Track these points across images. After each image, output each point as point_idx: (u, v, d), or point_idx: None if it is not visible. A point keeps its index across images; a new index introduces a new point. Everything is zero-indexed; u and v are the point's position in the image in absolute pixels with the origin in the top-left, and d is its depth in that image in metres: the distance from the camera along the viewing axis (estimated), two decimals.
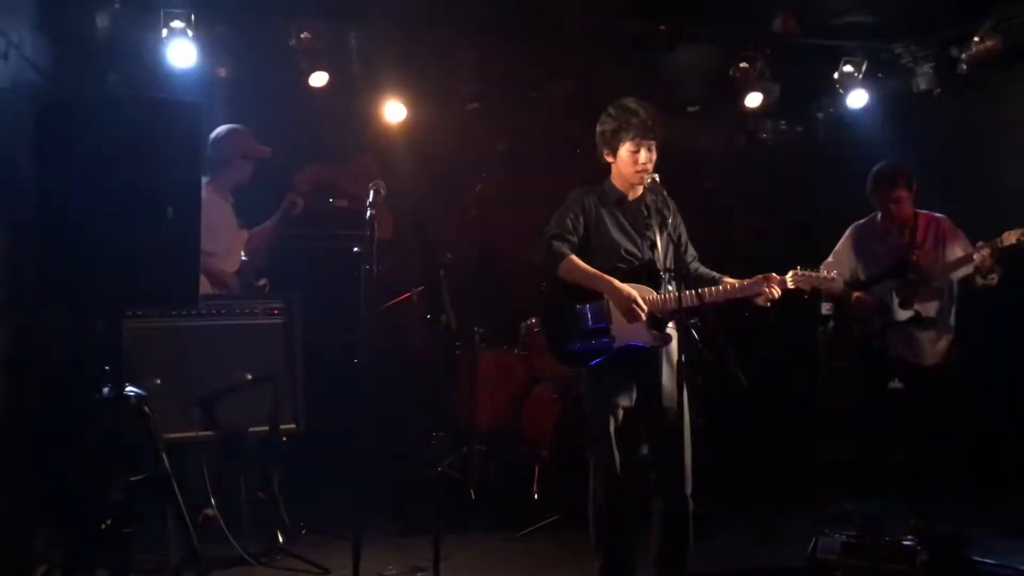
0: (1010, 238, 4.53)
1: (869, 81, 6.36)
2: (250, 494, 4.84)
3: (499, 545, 4.74)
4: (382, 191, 3.88)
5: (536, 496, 5.25)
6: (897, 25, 6.20)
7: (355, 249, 3.65)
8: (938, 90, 6.17)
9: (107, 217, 2.96)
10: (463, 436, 5.56)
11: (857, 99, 6.36)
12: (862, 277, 5.00)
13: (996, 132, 6.01)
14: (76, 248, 2.96)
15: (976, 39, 5.73)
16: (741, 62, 6.47)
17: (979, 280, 4.68)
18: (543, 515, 5.01)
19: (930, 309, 4.86)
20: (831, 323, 5.23)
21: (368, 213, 3.72)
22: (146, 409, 3.09)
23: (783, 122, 7.16)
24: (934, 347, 4.89)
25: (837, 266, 4.98)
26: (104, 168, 3.00)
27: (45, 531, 3.92)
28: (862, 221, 5.14)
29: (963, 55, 5.86)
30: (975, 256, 4.62)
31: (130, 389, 3.08)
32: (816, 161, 6.79)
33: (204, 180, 4.87)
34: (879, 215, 5.06)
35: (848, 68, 6.38)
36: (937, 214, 4.98)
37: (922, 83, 6.24)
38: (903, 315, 4.85)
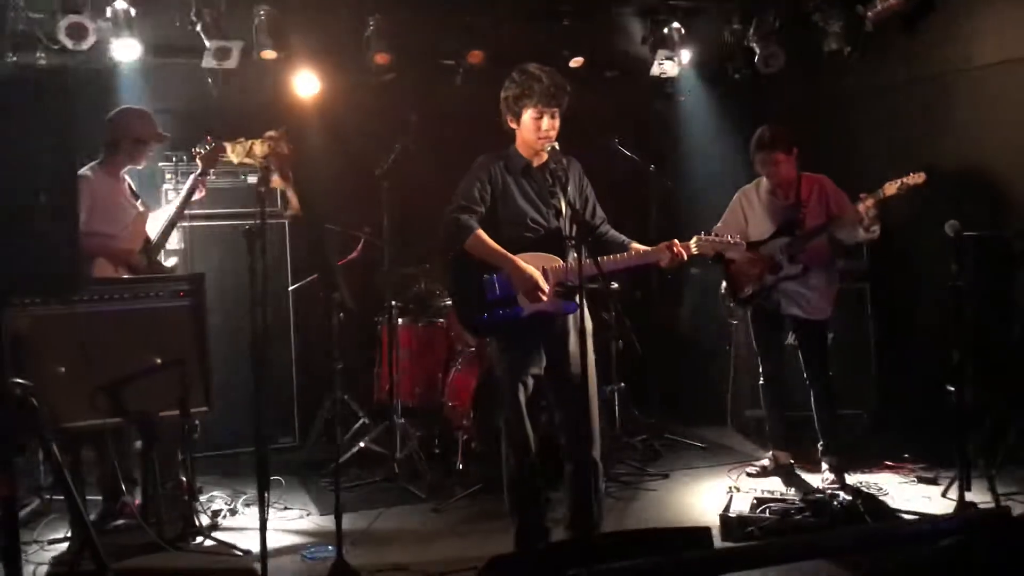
0: (891, 188, 4.65)
1: (781, 41, 6.43)
2: (167, 479, 4.79)
3: (422, 517, 4.75)
4: (271, 167, 3.81)
5: (460, 467, 5.27)
6: None
7: (246, 226, 3.58)
8: (848, 49, 6.25)
9: None
10: (385, 410, 5.54)
11: (770, 60, 6.42)
12: (752, 238, 5.07)
13: (900, 89, 6.11)
14: None
15: None
16: (656, 27, 6.51)
17: (862, 234, 4.79)
18: (466, 486, 5.01)
19: (815, 263, 4.96)
20: (724, 284, 5.31)
21: (261, 190, 3.65)
22: (33, 401, 3.00)
23: (700, 85, 7.17)
24: (823, 300, 5.01)
25: (726, 228, 5.10)
26: None
27: None
28: (748, 185, 5.25)
29: (869, 13, 5.95)
30: (858, 207, 4.72)
31: (15, 380, 2.99)
32: (731, 123, 6.83)
33: (94, 163, 4.77)
34: (764, 179, 5.14)
35: (760, 28, 6.44)
36: (819, 175, 5.08)
37: (833, 42, 6.31)
38: (792, 270, 4.95)
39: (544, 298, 3.93)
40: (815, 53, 6.39)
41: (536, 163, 4.09)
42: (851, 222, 4.79)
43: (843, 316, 5.55)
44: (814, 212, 4.98)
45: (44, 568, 4.06)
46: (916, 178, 4.60)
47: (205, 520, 4.50)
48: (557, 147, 3.98)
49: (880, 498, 4.55)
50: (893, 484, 4.96)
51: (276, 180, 4.63)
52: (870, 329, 5.91)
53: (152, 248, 4.97)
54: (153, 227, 4.98)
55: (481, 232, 3.96)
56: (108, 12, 5.43)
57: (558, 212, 4.06)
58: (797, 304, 5.00)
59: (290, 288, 5.87)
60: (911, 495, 4.80)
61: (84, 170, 4.74)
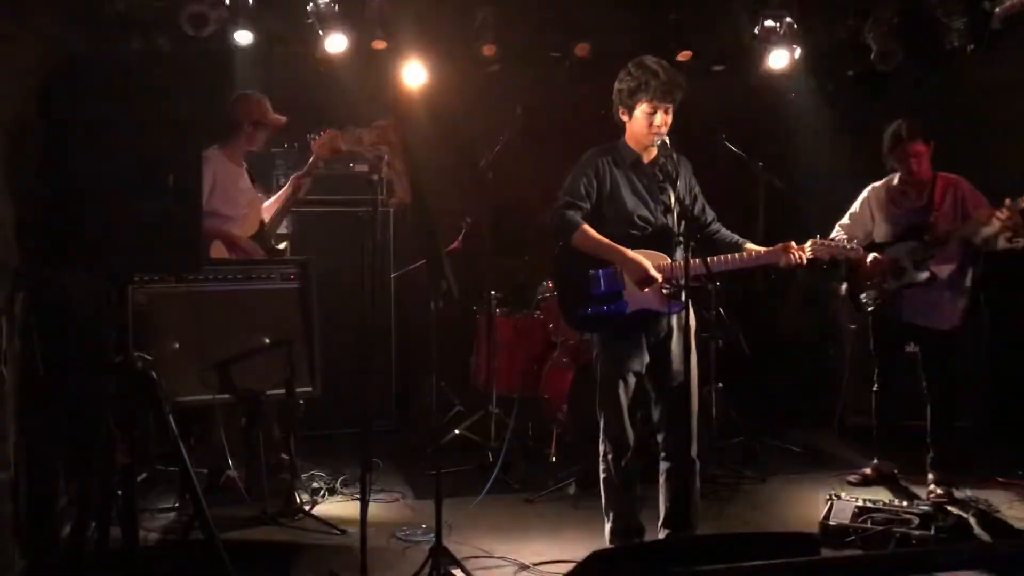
0: None
1: (899, 37, 6.22)
2: (269, 456, 4.93)
3: (513, 508, 4.78)
4: (385, 156, 3.87)
5: (553, 459, 5.28)
6: None
7: (359, 213, 3.65)
8: (971, 46, 6.01)
9: (109, 183, 2.98)
10: (481, 399, 5.59)
11: (886, 58, 6.21)
12: (876, 239, 4.91)
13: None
14: (80, 214, 3.00)
15: None
16: (766, 20, 6.36)
17: (1002, 242, 4.56)
18: (559, 478, 5.02)
19: (945, 271, 4.75)
20: (844, 286, 5.15)
21: (374, 178, 3.71)
22: (152, 374, 3.12)
23: (812, 81, 6.99)
24: (949, 310, 4.79)
25: (852, 227, 4.93)
26: (108, 134, 3.02)
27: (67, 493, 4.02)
28: (878, 183, 5.03)
29: (997, 9, 5.70)
30: (998, 214, 4.50)
31: (138, 354, 3.12)
32: (844, 122, 6.64)
33: (215, 146, 4.93)
34: (896, 176, 4.95)
35: (877, 23, 6.24)
36: (955, 176, 4.86)
37: (955, 39, 6.07)
38: (918, 277, 4.75)
39: (657, 279, 3.88)
40: (935, 50, 6.16)
41: (645, 158, 4.05)
42: (981, 227, 4.57)
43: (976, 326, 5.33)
44: (947, 216, 4.76)
45: (153, 535, 4.22)
46: None
47: (305, 498, 4.62)
48: (668, 142, 3.94)
49: (991, 515, 4.39)
50: (1004, 501, 4.77)
51: (386, 169, 4.71)
52: (984, 339, 5.68)
53: (265, 232, 5.12)
54: (266, 212, 5.13)
55: (587, 227, 3.95)
56: (227, 0, 5.60)
57: (667, 209, 4.02)
58: (922, 313, 4.79)
59: (393, 275, 5.96)
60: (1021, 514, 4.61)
61: (207, 152, 4.91)
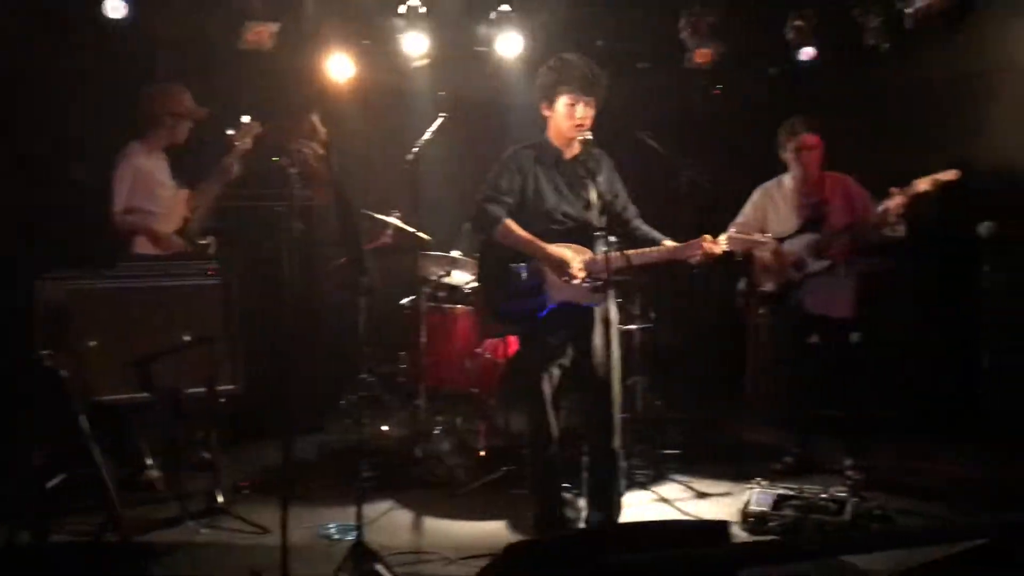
0: (922, 184, 4.60)
1: (820, 36, 6.36)
2: (192, 455, 4.85)
3: (441, 502, 4.77)
4: (304, 150, 3.84)
5: (481, 453, 5.29)
6: None
7: (276, 208, 3.62)
8: (886, 45, 6.17)
9: (18, 178, 2.90)
10: (410, 393, 5.57)
11: (807, 54, 6.35)
12: (772, 235, 5.05)
13: (938, 87, 6.03)
14: None
15: None
16: (690, 17, 6.45)
17: (887, 231, 4.74)
18: (487, 472, 5.03)
19: (840, 261, 4.92)
20: (744, 280, 5.29)
21: (291, 172, 3.68)
22: (61, 372, 3.06)
23: (735, 79, 7.11)
24: (845, 298, 4.97)
25: (746, 226, 5.09)
26: (11, 134, 2.94)
27: None
28: (770, 182, 5.22)
29: (909, 10, 5.86)
30: (887, 202, 4.67)
31: (45, 352, 3.05)
32: (766, 117, 6.76)
33: (135, 140, 4.82)
34: (786, 176, 5.14)
35: (798, 23, 6.37)
36: (841, 174, 5.05)
37: (871, 38, 6.23)
38: (817, 266, 4.91)
39: (576, 279, 3.92)
40: (853, 48, 6.31)
41: (568, 154, 4.09)
42: (875, 222, 4.74)
43: (870, 317, 5.49)
44: (838, 211, 4.95)
45: (66, 537, 4.12)
46: (948, 175, 4.54)
47: (229, 497, 4.57)
48: (591, 138, 3.98)
49: (904, 498, 4.53)
50: (918, 485, 4.91)
51: (309, 162, 4.66)
52: (899, 330, 5.85)
53: (190, 226, 5.04)
54: (189, 207, 5.05)
55: (510, 221, 3.97)
56: None
57: (588, 204, 4.06)
58: (821, 302, 4.96)
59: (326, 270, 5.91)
60: (939, 494, 4.75)
61: (127, 148, 4.81)
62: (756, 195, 5.24)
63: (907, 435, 5.57)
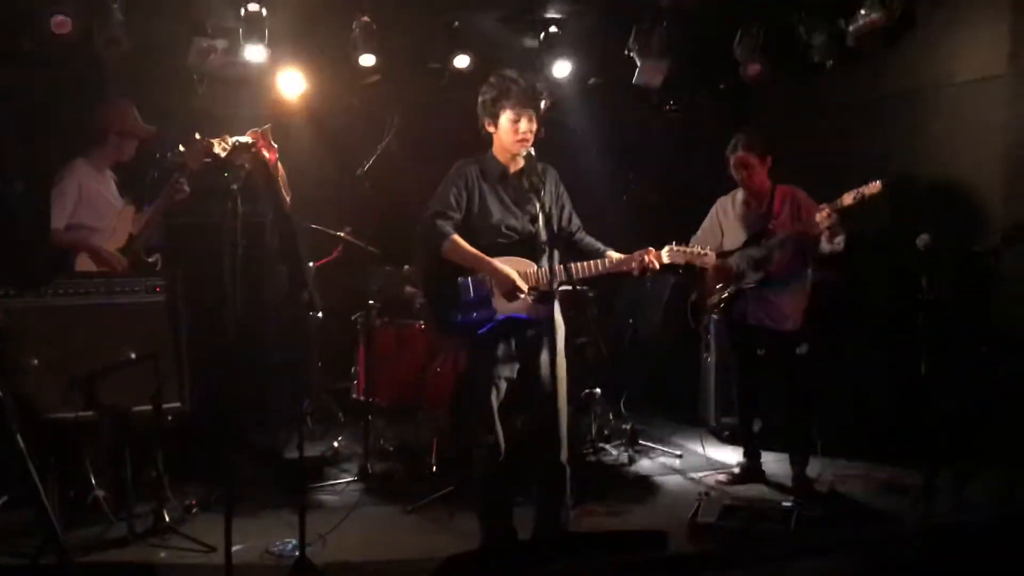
0: (848, 199, 4.69)
1: (765, 53, 6.47)
2: (141, 474, 4.79)
3: (391, 518, 4.76)
4: (246, 166, 3.84)
5: (434, 468, 5.29)
6: None
7: (219, 224, 3.61)
8: (830, 62, 6.30)
9: None
10: (363, 410, 5.55)
11: (753, 71, 6.46)
12: (725, 248, 5.15)
13: (880, 103, 6.17)
14: None
15: (863, 11, 5.86)
16: (637, 34, 6.53)
17: (825, 246, 4.83)
18: (438, 488, 5.03)
19: (782, 273, 5.01)
20: (694, 293, 5.37)
21: (233, 187, 3.68)
22: None
23: (684, 95, 7.21)
24: (791, 311, 5.04)
25: (704, 239, 5.17)
26: None
27: None
28: (725, 196, 5.33)
29: (851, 27, 5.99)
30: (816, 217, 4.75)
31: None
32: (716, 133, 6.86)
33: (81, 156, 4.78)
34: (739, 190, 5.21)
35: (744, 38, 6.48)
36: (793, 187, 5.14)
37: (815, 55, 6.35)
38: (753, 278, 4.99)
39: (522, 294, 3.96)
40: (799, 64, 6.43)
41: (512, 169, 4.13)
42: (816, 231, 4.81)
43: (815, 326, 5.58)
44: (784, 223, 5.04)
45: (14, 560, 4.05)
46: (872, 188, 4.62)
47: (176, 516, 4.52)
48: (533, 153, 4.02)
49: (849, 505, 4.61)
50: (861, 491, 5.00)
51: (255, 179, 4.65)
52: (843, 340, 5.95)
53: (134, 244, 4.99)
54: (136, 224, 5.00)
55: (457, 237, 4.00)
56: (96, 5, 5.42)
57: (534, 218, 4.09)
58: (764, 313, 5.05)
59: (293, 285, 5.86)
60: (881, 504, 4.83)
61: (72, 163, 4.77)
62: (713, 208, 5.34)
63: (852, 444, 5.66)
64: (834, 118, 6.52)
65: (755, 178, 5.05)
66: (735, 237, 5.15)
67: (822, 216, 4.72)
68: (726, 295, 5.09)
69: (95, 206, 4.78)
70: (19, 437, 3.06)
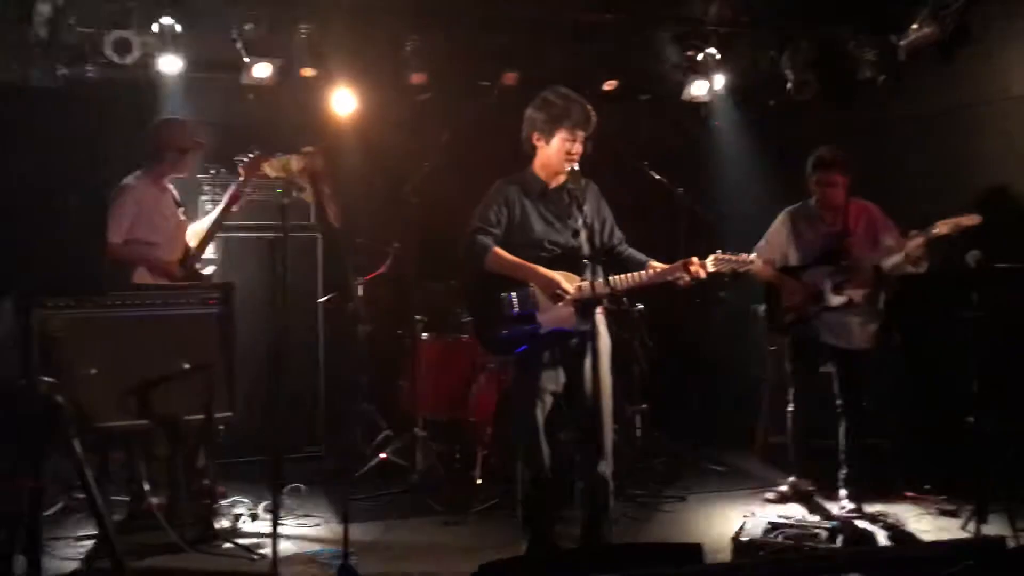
0: (942, 228, 4.59)
1: (814, 69, 6.44)
2: (193, 482, 4.90)
3: (435, 529, 4.81)
4: (297, 182, 3.95)
5: (478, 481, 5.32)
6: (843, 12, 6.29)
7: (269, 238, 3.70)
8: (882, 77, 6.24)
9: (12, 207, 2.99)
10: (409, 423, 5.62)
11: (802, 87, 6.43)
12: (792, 262, 5.08)
13: (933, 119, 6.08)
14: None
15: (914, 26, 5.80)
16: (687, 50, 6.55)
17: (909, 267, 4.75)
18: (483, 500, 5.06)
19: (860, 295, 4.93)
20: (763, 308, 5.30)
21: (284, 203, 3.77)
22: (58, 398, 3.12)
23: (733, 110, 7.19)
24: (863, 332, 4.96)
25: (769, 250, 5.10)
26: (9, 161, 3.03)
27: None
28: (795, 206, 5.21)
29: (902, 42, 5.94)
30: (908, 244, 4.69)
31: (43, 379, 3.12)
32: (763, 150, 6.84)
33: (139, 172, 4.94)
34: (812, 200, 5.13)
35: (793, 56, 6.45)
36: (868, 202, 5.06)
37: (866, 71, 6.30)
38: (836, 301, 4.92)
39: (568, 297, 3.97)
40: (848, 81, 6.39)
41: (553, 184, 4.16)
42: (894, 263, 4.75)
43: (887, 347, 5.49)
44: (860, 241, 4.96)
45: (69, 564, 4.18)
46: (970, 220, 4.52)
47: (226, 524, 4.61)
48: (577, 169, 4.05)
49: (898, 528, 4.53)
50: (913, 516, 4.91)
51: (307, 194, 4.76)
52: (895, 358, 5.85)
53: (190, 257, 5.13)
54: (192, 236, 5.15)
55: (498, 249, 4.04)
56: (154, 28, 5.61)
57: (576, 232, 4.12)
58: (838, 335, 4.96)
59: (319, 300, 5.98)
60: (930, 527, 4.76)
61: (129, 179, 4.93)
62: (780, 218, 5.24)
63: (908, 464, 5.56)
64: (884, 134, 6.44)
65: (838, 196, 4.98)
66: (806, 253, 5.05)
67: (915, 245, 4.64)
68: (807, 314, 4.99)
69: (152, 221, 4.92)
70: (77, 444, 3.15)
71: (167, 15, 5.59)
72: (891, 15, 6.08)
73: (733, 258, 4.18)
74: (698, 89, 6.57)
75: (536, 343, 4.07)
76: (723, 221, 6.51)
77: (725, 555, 4.22)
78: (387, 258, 5.83)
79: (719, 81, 6.57)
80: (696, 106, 6.89)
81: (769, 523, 4.43)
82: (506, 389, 5.18)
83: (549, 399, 4.13)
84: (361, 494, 5.23)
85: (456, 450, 5.69)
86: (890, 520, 4.74)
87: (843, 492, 5.00)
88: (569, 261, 4.09)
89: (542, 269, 4.01)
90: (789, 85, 6.44)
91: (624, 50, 6.58)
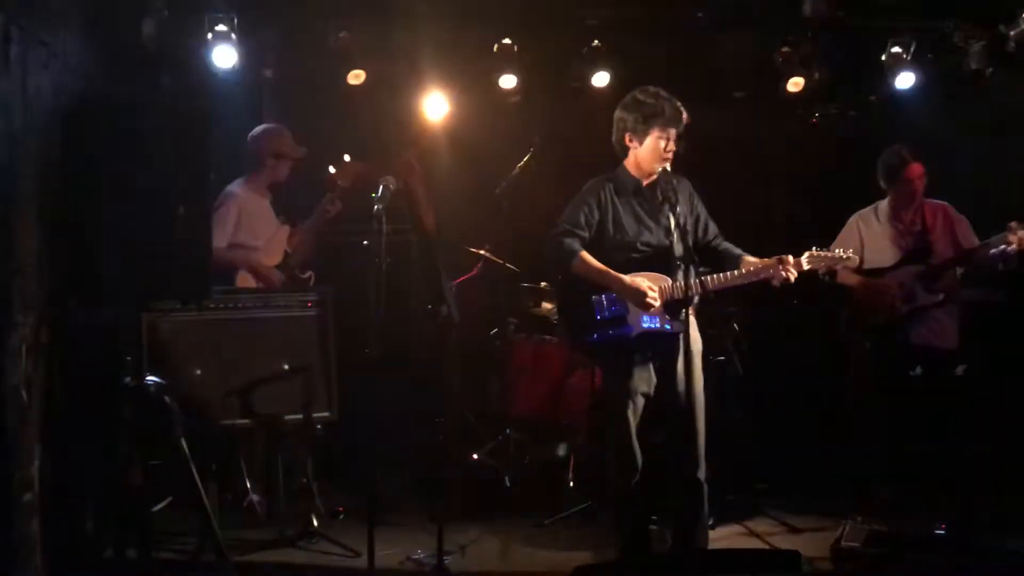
0: None
1: (919, 62, 6.22)
2: (287, 480, 5.03)
3: (527, 531, 4.82)
4: (391, 186, 4.01)
5: (571, 483, 5.31)
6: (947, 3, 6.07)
7: (364, 243, 3.77)
8: (990, 70, 5.99)
9: (124, 215, 3.13)
10: (501, 424, 5.65)
11: (905, 81, 6.22)
12: (870, 265, 4.98)
13: None
14: (97, 246, 3.15)
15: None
16: (783, 47, 6.40)
17: (1001, 265, 4.59)
18: (576, 502, 5.05)
19: (949, 293, 4.83)
20: (845, 312, 5.17)
21: (377, 208, 3.84)
22: (166, 398, 3.26)
23: (833, 107, 7.02)
24: (951, 330, 4.86)
25: None
26: (124, 171, 3.18)
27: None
28: (865, 209, 5.13)
29: (1011, 32, 5.69)
30: (1010, 237, 4.52)
31: (151, 379, 3.25)
32: (868, 146, 6.64)
33: (240, 179, 5.10)
34: (883, 203, 5.05)
35: (896, 49, 6.25)
36: (940, 201, 4.94)
37: (973, 62, 6.06)
38: (929, 299, 4.78)
39: (655, 304, 3.95)
40: (954, 73, 6.15)
41: (645, 183, 4.14)
42: (991, 256, 4.61)
43: (977, 349, 5.30)
44: (940, 239, 4.85)
45: (169, 556, 4.32)
46: None
47: (324, 521, 4.72)
48: (668, 167, 4.02)
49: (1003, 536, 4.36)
50: (1016, 524, 4.71)
51: (401, 196, 4.83)
52: (1000, 363, 5.62)
53: (290, 261, 5.28)
54: (291, 242, 5.29)
55: (586, 254, 4.04)
56: (253, 37, 5.76)
57: (668, 231, 4.08)
58: (930, 333, 4.84)
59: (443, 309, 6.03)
60: None
61: (232, 187, 5.11)
62: (851, 222, 5.18)
63: (1010, 472, 5.33)
64: (990, 128, 6.18)
65: (919, 188, 4.89)
66: (883, 254, 4.96)
67: (1016, 238, 4.51)
68: (898, 314, 4.88)
69: (253, 226, 5.08)
70: (183, 443, 3.28)
71: (265, 25, 5.74)
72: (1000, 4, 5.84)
73: (828, 255, 4.10)
74: (793, 86, 6.41)
75: (628, 345, 4.05)
76: (824, 221, 6.39)
77: (824, 563, 4.12)
78: (479, 261, 5.86)
79: (817, 77, 6.39)
80: (793, 101, 6.72)
81: (870, 531, 4.31)
82: (598, 391, 5.15)
83: (641, 401, 4.11)
84: (454, 495, 5.28)
85: (548, 452, 5.70)
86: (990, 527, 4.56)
87: (945, 499, 4.83)
88: (661, 261, 4.06)
89: (628, 279, 3.98)
90: (890, 78, 6.22)
91: (716, 46, 6.48)
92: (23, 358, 3.35)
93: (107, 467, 3.50)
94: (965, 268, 4.82)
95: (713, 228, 4.27)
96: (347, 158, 5.26)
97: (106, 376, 3.69)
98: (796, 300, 6.33)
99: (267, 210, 5.23)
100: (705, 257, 4.11)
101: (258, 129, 5.23)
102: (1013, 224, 4.55)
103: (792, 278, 4.00)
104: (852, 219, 5.15)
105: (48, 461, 3.62)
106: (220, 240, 4.95)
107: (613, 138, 4.17)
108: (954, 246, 4.86)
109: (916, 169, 4.88)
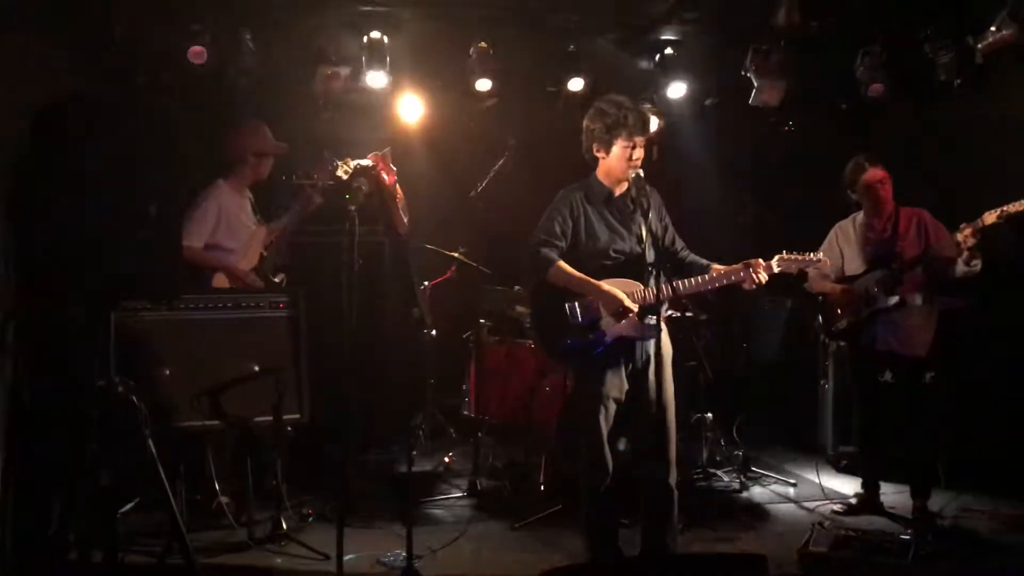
0: (990, 217, 4.54)
1: (888, 72, 6.30)
2: (256, 482, 5.00)
3: (499, 534, 4.82)
4: (364, 188, 4.00)
5: (542, 487, 5.32)
6: (916, 15, 6.15)
7: (341, 243, 3.76)
8: (958, 81, 6.07)
9: (94, 214, 3.11)
10: (473, 427, 5.65)
11: (874, 90, 6.29)
12: (847, 273, 5.06)
13: (1012, 123, 5.90)
14: (66, 245, 3.12)
15: (992, 28, 5.64)
16: (754, 55, 6.46)
17: (961, 267, 4.66)
18: (546, 506, 5.06)
19: (916, 299, 4.86)
20: (819, 316, 5.24)
21: (351, 209, 3.83)
22: (134, 399, 3.23)
23: (803, 114, 7.08)
24: (921, 336, 4.89)
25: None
26: (94, 170, 3.15)
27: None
28: (844, 220, 5.23)
29: (980, 45, 5.77)
30: (957, 236, 4.60)
31: (119, 379, 3.22)
32: (835, 154, 6.71)
33: (222, 179, 5.07)
34: (860, 213, 5.14)
35: (866, 58, 6.32)
36: (917, 208, 5.01)
37: (942, 74, 6.14)
38: (888, 302, 4.86)
39: (633, 310, 3.97)
40: (923, 84, 6.23)
41: (617, 192, 4.16)
42: (948, 253, 4.67)
43: (944, 354, 5.36)
44: (912, 245, 4.90)
45: (135, 559, 4.27)
46: (1017, 206, 4.45)
47: (293, 523, 4.70)
48: (641, 174, 4.04)
49: (971, 542, 4.42)
50: (986, 530, 4.78)
51: (373, 200, 4.82)
52: (972, 369, 5.70)
53: (265, 262, 5.24)
54: (264, 241, 5.25)
55: (561, 263, 4.06)
56: (230, 37, 5.73)
57: (640, 239, 4.11)
58: (895, 338, 4.90)
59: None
60: (1006, 541, 4.62)
61: (213, 186, 5.06)
62: (832, 233, 5.26)
63: (979, 477, 5.40)
64: (960, 139, 6.27)
65: (888, 196, 4.93)
66: (858, 262, 5.03)
67: (963, 236, 4.57)
68: (859, 318, 4.95)
69: (233, 228, 5.04)
70: (151, 443, 3.25)
71: (242, 25, 5.72)
72: (969, 17, 5.92)
73: (798, 257, 4.15)
74: (765, 93, 6.47)
75: (600, 352, 4.07)
76: (794, 228, 6.44)
77: (791, 567, 4.16)
78: (452, 263, 5.87)
79: (783, 86, 6.45)
80: (766, 109, 6.79)
81: (837, 535, 4.36)
82: (570, 396, 5.17)
83: (613, 406, 4.13)
84: (425, 497, 5.28)
85: (520, 455, 5.71)
86: (963, 530, 4.63)
87: (914, 504, 4.89)
88: (633, 268, 4.08)
89: (605, 286, 4.00)
90: (861, 88, 6.30)
91: (690, 55, 6.53)
92: None
93: (74, 468, 3.45)
94: (927, 273, 4.85)
95: (680, 242, 4.31)
96: (325, 152, 5.23)
97: (74, 376, 3.66)
98: (766, 304, 6.41)
99: (246, 211, 5.19)
100: (674, 269, 4.14)
101: (239, 126, 5.18)
102: (962, 225, 4.62)
103: (763, 280, 4.04)
104: (833, 229, 5.26)
105: (13, 461, 3.58)
106: (198, 240, 4.92)
107: (583, 148, 4.19)
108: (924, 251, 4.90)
109: (876, 174, 4.95)
